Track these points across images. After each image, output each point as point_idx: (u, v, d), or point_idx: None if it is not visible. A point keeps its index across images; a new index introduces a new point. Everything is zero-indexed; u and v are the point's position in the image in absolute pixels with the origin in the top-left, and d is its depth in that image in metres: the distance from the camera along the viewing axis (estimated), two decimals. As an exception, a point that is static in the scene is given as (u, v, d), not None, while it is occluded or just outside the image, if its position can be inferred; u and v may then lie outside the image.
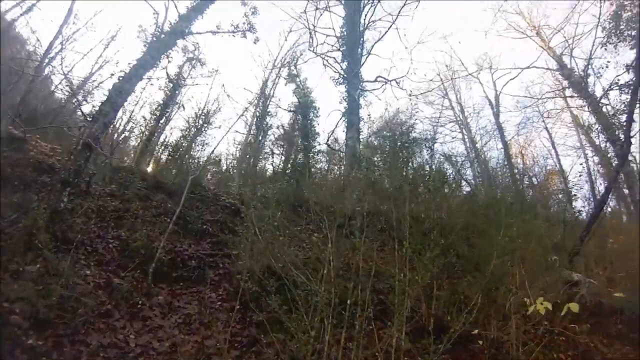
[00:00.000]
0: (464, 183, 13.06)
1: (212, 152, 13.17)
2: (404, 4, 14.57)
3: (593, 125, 14.20)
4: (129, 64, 8.44)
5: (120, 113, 13.17)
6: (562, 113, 19.31)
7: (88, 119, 7.90)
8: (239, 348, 4.79)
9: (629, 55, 10.06)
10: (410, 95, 15.92)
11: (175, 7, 9.19)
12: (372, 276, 4.18)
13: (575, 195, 12.17)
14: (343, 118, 13.94)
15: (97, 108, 7.94)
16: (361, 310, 3.92)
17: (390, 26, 14.81)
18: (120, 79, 8.29)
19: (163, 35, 8.90)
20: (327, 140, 13.83)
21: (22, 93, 11.12)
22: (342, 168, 12.59)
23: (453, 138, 21.97)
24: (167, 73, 12.38)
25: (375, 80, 15.02)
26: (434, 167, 10.55)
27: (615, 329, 5.81)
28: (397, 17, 14.70)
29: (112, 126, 12.16)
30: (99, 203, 7.81)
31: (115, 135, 12.50)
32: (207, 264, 6.67)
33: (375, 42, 15.16)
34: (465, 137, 21.31)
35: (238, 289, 5.03)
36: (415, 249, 4.64)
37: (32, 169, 8.14)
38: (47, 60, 15.75)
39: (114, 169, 9.77)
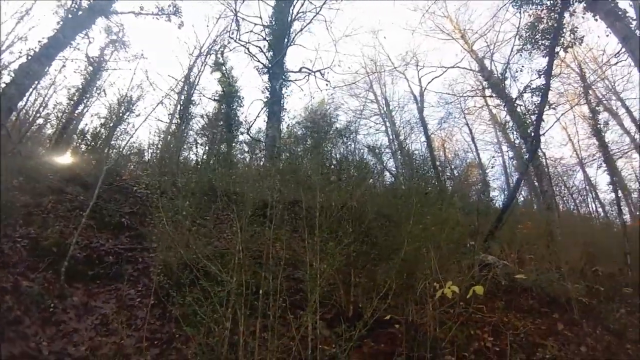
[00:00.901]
0: (387, 174, 13.68)
1: (129, 141, 12.34)
2: (328, -5, 14.61)
3: (508, 123, 15.68)
4: (39, 42, 7.66)
5: (33, 97, 11.90)
6: (481, 111, 21.09)
7: (-11, 102, 7.06)
8: (159, 345, 4.62)
9: (542, 62, 11.16)
10: (327, 85, 16.00)
11: (96, -18, 8.47)
12: (282, 264, 4.21)
13: (490, 186, 13.24)
14: (265, 108, 13.86)
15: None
16: (273, 299, 3.94)
17: (314, 17, 15.11)
18: (29, 58, 7.50)
19: (80, 12, 8.15)
20: (248, 130, 13.71)
21: None
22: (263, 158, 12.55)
23: (377, 130, 22.94)
24: (87, 55, 11.33)
25: (300, 71, 15.09)
26: (356, 157, 10.87)
27: (527, 304, 6.31)
28: (321, 8, 15.00)
29: (22, 111, 10.94)
30: (5, 198, 7.02)
31: (28, 123, 11.20)
32: (126, 259, 6.27)
33: (298, 33, 15.28)
34: (389, 129, 22.31)
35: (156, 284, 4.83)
36: (326, 237, 4.70)
37: None
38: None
39: (24, 159, 8.81)
